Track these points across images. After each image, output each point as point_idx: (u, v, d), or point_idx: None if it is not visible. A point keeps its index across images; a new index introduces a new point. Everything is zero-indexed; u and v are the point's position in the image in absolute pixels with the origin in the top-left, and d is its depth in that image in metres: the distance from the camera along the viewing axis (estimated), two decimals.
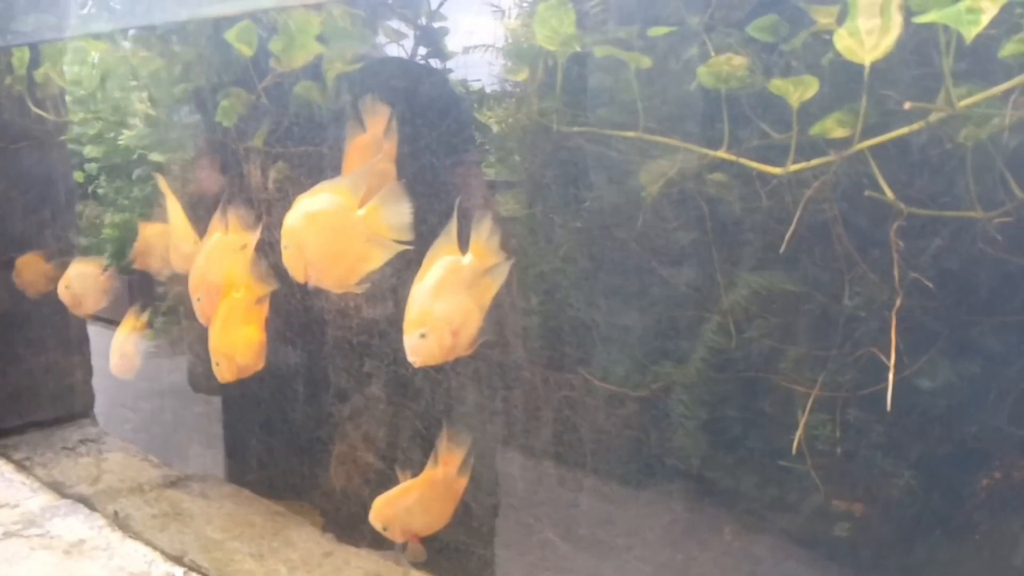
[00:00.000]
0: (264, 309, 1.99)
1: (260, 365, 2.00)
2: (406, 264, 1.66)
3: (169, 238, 2.13)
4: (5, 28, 2.99)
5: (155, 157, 3.38)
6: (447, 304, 1.62)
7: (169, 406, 3.70)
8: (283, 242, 1.71)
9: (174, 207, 2.12)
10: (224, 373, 1.99)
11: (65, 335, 3.55)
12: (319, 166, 2.01)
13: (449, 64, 2.28)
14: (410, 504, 1.95)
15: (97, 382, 3.69)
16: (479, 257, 1.60)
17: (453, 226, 1.59)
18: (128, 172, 3.74)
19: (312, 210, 1.72)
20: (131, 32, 2.51)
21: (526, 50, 1.74)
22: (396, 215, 1.72)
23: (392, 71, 2.18)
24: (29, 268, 3.37)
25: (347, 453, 2.06)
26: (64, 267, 3.33)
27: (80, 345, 3.60)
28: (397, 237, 1.71)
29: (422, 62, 2.27)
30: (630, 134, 1.68)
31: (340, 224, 1.71)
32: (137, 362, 2.41)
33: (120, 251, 3.61)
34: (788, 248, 1.52)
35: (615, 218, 1.75)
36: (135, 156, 3.54)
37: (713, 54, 1.67)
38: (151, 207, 3.77)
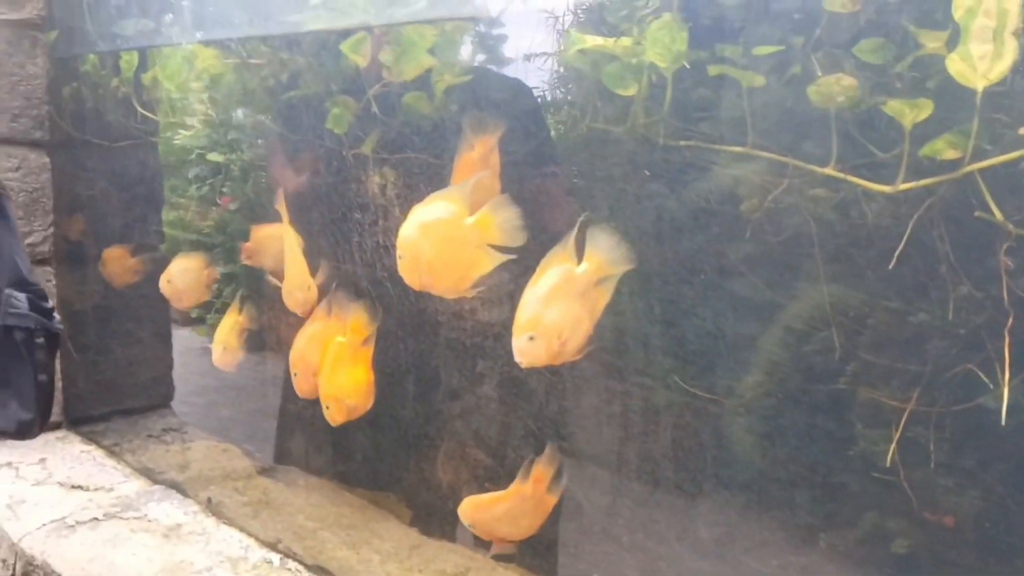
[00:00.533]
0: (370, 350, 2.10)
1: (370, 404, 2.10)
2: (524, 271, 1.73)
3: (285, 278, 2.24)
4: (106, 32, 3.13)
5: (213, 157, 3.49)
6: (558, 311, 1.69)
7: (248, 399, 3.84)
8: (399, 252, 1.80)
9: (293, 250, 2.22)
10: (335, 416, 2.09)
11: (150, 328, 3.70)
12: (429, 173, 2.09)
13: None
14: (498, 514, 2.03)
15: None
16: (594, 267, 1.67)
17: (571, 236, 1.66)
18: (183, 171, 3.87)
19: (426, 220, 1.82)
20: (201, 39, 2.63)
21: (634, 65, 1.80)
22: (505, 223, 1.81)
23: (491, 84, 2.26)
24: (115, 261, 3.53)
25: (456, 450, 2.14)
26: (152, 262, 3.49)
27: (164, 338, 3.74)
28: (506, 244, 1.79)
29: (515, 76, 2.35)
30: (738, 148, 1.74)
31: (452, 232, 1.81)
32: (240, 355, 2.53)
33: (173, 248, 3.74)
34: (895, 265, 1.57)
35: (719, 230, 1.81)
36: (192, 156, 3.67)
37: (820, 74, 1.73)
38: (208, 206, 3.89)
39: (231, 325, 2.53)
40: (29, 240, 3.25)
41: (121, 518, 2.59)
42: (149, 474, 2.97)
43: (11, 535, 2.56)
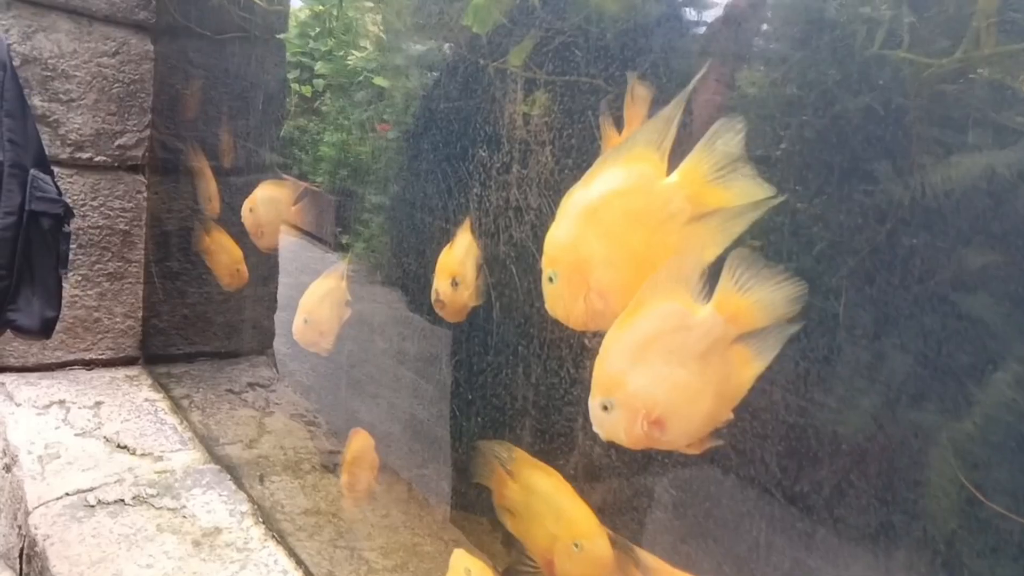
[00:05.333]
0: None
1: None
2: None
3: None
4: None
5: (379, 81, 2.99)
6: (652, 374, 0.94)
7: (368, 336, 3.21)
8: (545, 270, 1.04)
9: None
10: None
11: (252, 260, 3.16)
12: (597, 105, 1.35)
13: None
14: None
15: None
16: (727, 315, 0.93)
17: (691, 261, 0.89)
18: (351, 93, 3.41)
19: (591, 201, 1.03)
20: None
21: None
22: (731, 164, 1.00)
23: None
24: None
25: None
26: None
27: (270, 272, 3.19)
28: (746, 198, 0.99)
29: None
30: None
31: (641, 205, 1.02)
32: (332, 336, 1.73)
33: (333, 170, 3.26)
34: None
35: None
36: (360, 78, 3.20)
37: None
38: (366, 131, 3.36)
39: (327, 290, 1.75)
40: (119, 141, 2.75)
41: (153, 506, 2.05)
42: (209, 444, 2.43)
43: (28, 501, 2.07)
